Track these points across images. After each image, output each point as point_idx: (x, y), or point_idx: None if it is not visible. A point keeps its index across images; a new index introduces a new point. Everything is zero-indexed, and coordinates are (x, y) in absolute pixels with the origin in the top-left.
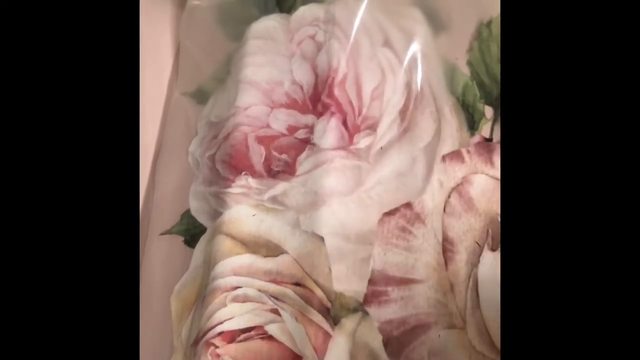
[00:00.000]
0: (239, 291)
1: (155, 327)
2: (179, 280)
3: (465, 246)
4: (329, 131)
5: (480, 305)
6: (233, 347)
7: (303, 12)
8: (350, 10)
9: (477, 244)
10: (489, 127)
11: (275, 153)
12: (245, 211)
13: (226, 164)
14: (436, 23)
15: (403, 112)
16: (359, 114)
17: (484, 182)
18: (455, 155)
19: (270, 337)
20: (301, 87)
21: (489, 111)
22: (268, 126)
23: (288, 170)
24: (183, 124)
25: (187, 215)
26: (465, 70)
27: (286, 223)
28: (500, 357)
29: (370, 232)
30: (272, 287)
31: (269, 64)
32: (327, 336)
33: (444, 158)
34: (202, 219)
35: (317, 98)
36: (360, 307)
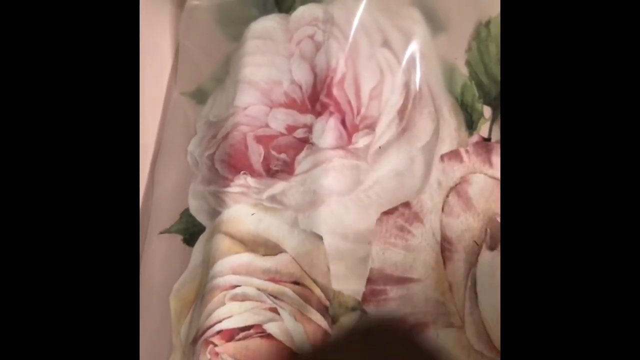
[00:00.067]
0: (237, 290)
1: (154, 325)
2: (178, 279)
3: (464, 245)
4: (327, 131)
5: (478, 305)
6: (232, 346)
7: (302, 12)
8: (349, 10)
9: (476, 243)
10: (488, 127)
11: (274, 152)
12: (244, 210)
13: (225, 164)
14: (435, 23)
15: (401, 112)
16: (358, 113)
17: (483, 182)
18: (454, 155)
19: (269, 336)
20: (300, 87)
21: (487, 111)
22: (267, 126)
23: (287, 170)
24: (182, 123)
25: (186, 214)
26: (463, 70)
27: (285, 222)
28: (499, 357)
29: (368, 231)
30: (271, 286)
31: (267, 64)
32: (326, 335)
33: (442, 158)
34: (201, 218)
35: (316, 98)
36: (358, 306)
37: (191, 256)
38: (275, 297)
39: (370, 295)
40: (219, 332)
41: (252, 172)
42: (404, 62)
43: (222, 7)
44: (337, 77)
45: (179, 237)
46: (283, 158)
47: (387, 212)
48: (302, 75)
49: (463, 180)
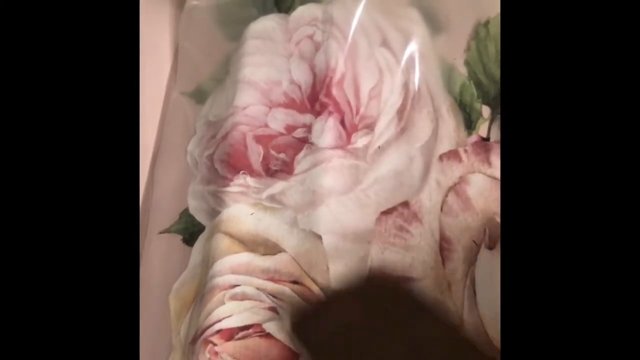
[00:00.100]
0: (237, 289)
1: (154, 325)
2: (177, 279)
3: (463, 245)
4: (326, 130)
5: (477, 304)
6: (231, 345)
7: (301, 12)
8: (348, 11)
9: (474, 242)
10: (487, 126)
11: (273, 152)
12: (244, 210)
13: (224, 163)
14: (434, 23)
15: (400, 112)
16: (357, 113)
17: (481, 182)
18: (453, 155)
19: (268, 335)
20: (299, 87)
21: (486, 111)
22: (266, 125)
23: (286, 170)
24: (182, 123)
25: (185, 214)
26: (462, 70)
27: (284, 222)
28: (498, 355)
29: (367, 231)
30: (270, 285)
31: (267, 64)
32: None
33: (441, 157)
34: (200, 217)
35: (315, 98)
36: None
37: (191, 256)
38: (275, 297)
39: None
40: (218, 332)
41: (252, 172)
42: (403, 62)
43: (222, 8)
44: (337, 77)
45: (179, 237)
46: (282, 158)
47: (386, 212)
48: (302, 75)
49: (462, 180)
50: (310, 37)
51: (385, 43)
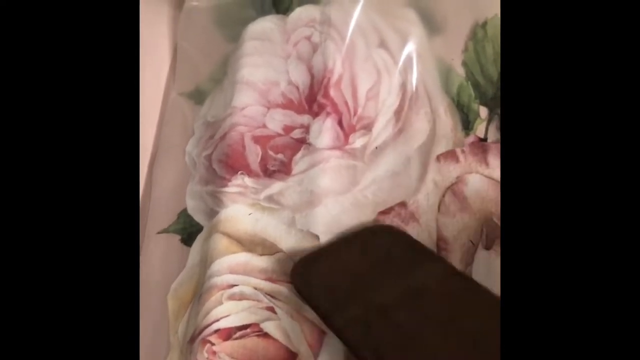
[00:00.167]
0: (235, 289)
1: (152, 325)
2: (175, 279)
3: (460, 245)
4: (324, 131)
5: None
6: (229, 345)
7: (299, 13)
8: (345, 12)
9: (472, 242)
10: (484, 127)
11: (271, 153)
12: (242, 210)
13: (223, 164)
14: (431, 24)
15: (398, 113)
16: (354, 114)
17: (479, 182)
18: (450, 155)
19: (265, 335)
20: (297, 88)
21: (483, 111)
22: (264, 126)
23: (284, 170)
24: (180, 124)
25: (183, 214)
26: (460, 71)
27: (282, 222)
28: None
29: None
30: (268, 285)
31: (265, 65)
32: (322, 334)
33: (438, 158)
34: (198, 217)
35: (313, 98)
36: None
37: (189, 256)
38: (272, 297)
39: None
40: (216, 331)
41: (250, 172)
42: (400, 63)
43: (220, 8)
44: (334, 78)
45: (177, 237)
46: (280, 158)
47: (384, 212)
48: (299, 76)
49: (459, 180)
50: (308, 38)
51: (382, 44)
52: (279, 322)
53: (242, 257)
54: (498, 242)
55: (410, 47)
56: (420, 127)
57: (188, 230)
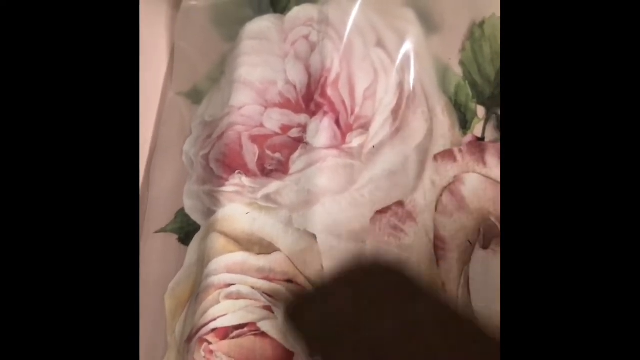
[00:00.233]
0: (232, 288)
1: (150, 324)
2: (173, 278)
3: (457, 244)
4: (321, 130)
5: (471, 303)
6: (226, 344)
7: (297, 12)
8: (343, 11)
9: (469, 242)
10: (481, 126)
11: (268, 152)
12: (239, 209)
13: (220, 163)
14: (429, 23)
15: (395, 112)
16: (352, 113)
17: (476, 181)
18: (447, 155)
19: (262, 334)
20: (294, 87)
21: (481, 111)
22: (262, 125)
23: (281, 169)
24: (178, 123)
25: (181, 213)
26: (457, 70)
27: (279, 221)
28: (493, 354)
29: (362, 230)
30: (265, 285)
31: (262, 64)
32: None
33: (436, 157)
34: (196, 217)
35: (310, 98)
36: None
37: (186, 255)
38: (270, 296)
39: None
40: (213, 330)
41: (247, 172)
42: (397, 62)
43: (218, 8)
44: (332, 77)
45: (174, 236)
46: (277, 157)
47: (381, 211)
48: (297, 76)
49: (456, 179)
50: (306, 37)
51: (380, 43)
52: (276, 321)
53: (240, 257)
54: (495, 241)
55: (408, 47)
56: (417, 126)
57: (185, 230)
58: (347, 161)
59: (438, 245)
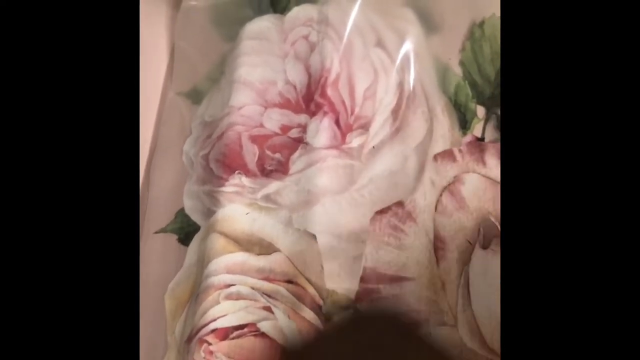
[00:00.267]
0: (232, 289)
1: (150, 324)
2: (173, 278)
3: (457, 244)
4: (321, 130)
5: (471, 303)
6: (226, 344)
7: (297, 12)
8: (343, 11)
9: (469, 242)
10: (481, 126)
11: (268, 152)
12: (239, 210)
13: (220, 163)
14: (429, 23)
15: (395, 112)
16: (352, 113)
17: (476, 181)
18: (447, 155)
19: (262, 334)
20: (294, 87)
21: (481, 111)
22: (261, 125)
23: (281, 169)
24: (178, 123)
25: (181, 213)
26: (457, 70)
27: (279, 221)
28: (492, 355)
29: (362, 231)
30: (265, 285)
31: (262, 64)
32: (319, 333)
33: (435, 157)
34: (196, 217)
35: (310, 98)
36: (352, 305)
37: (186, 255)
38: (269, 296)
39: (363, 293)
40: (213, 331)
41: (247, 172)
42: (397, 62)
43: (218, 8)
44: (332, 77)
45: (174, 237)
46: (277, 158)
47: (381, 212)
48: (297, 76)
49: (456, 179)
50: (306, 37)
51: (380, 43)
52: (276, 322)
53: (239, 257)
54: (495, 241)
55: (408, 47)
56: (417, 126)
57: (185, 230)
58: (347, 161)
59: (438, 245)
